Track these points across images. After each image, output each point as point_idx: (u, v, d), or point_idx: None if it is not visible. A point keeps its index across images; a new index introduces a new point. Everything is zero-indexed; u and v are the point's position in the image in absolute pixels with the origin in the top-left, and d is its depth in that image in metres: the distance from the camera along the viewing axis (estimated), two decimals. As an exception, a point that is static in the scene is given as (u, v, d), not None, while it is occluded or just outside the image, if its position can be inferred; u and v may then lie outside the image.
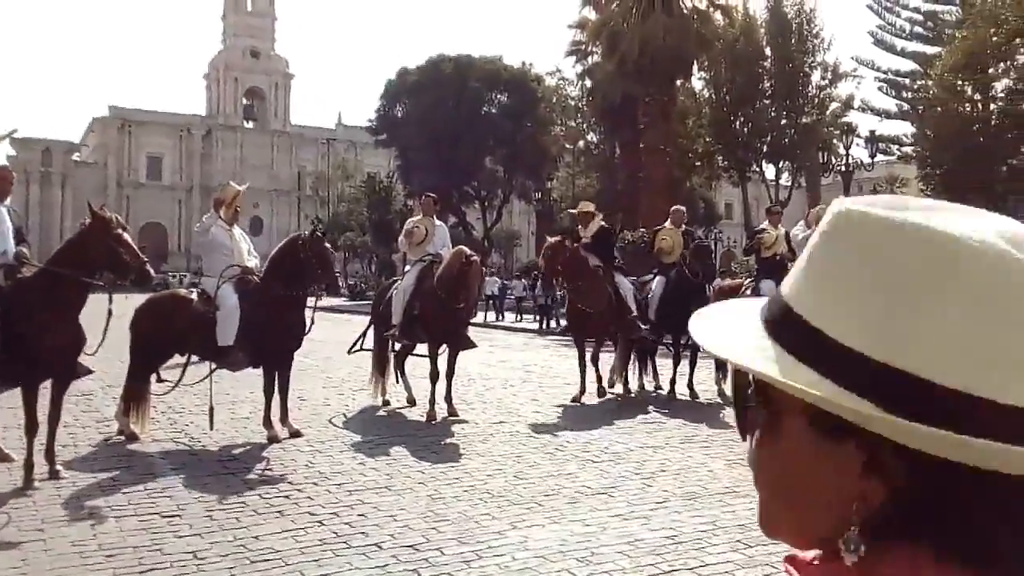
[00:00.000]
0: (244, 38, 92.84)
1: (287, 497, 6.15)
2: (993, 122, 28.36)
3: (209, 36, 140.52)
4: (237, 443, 8.08)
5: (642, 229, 31.74)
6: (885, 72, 40.04)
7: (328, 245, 8.18)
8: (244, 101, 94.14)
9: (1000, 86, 28.86)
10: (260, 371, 8.41)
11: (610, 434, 8.85)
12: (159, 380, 8.57)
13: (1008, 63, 27.64)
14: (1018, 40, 25.38)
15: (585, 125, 43.93)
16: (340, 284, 8.13)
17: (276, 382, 8.31)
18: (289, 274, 8.16)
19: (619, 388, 11.75)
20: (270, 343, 8.18)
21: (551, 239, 11.47)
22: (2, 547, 5.00)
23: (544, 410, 10.45)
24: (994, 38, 25.05)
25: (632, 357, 12.09)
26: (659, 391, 12.01)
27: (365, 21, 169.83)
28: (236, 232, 8.62)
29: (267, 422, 8.22)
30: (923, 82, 35.44)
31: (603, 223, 11.98)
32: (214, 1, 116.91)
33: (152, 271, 6.99)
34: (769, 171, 41.30)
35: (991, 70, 27.66)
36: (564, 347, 19.43)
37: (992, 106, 28.76)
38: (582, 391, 11.01)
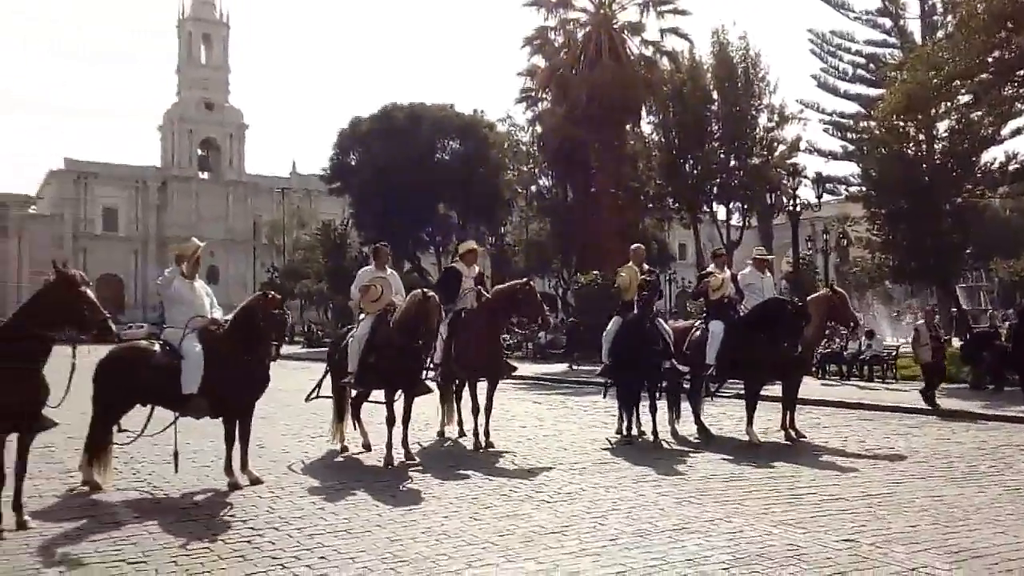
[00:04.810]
0: (198, 90, 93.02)
1: (249, 542, 6.32)
2: (937, 162, 28.84)
3: (164, 89, 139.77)
4: (198, 490, 8.22)
5: (595, 272, 32.14)
6: (830, 114, 41.01)
7: (279, 311, 8.55)
8: (199, 152, 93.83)
9: (943, 127, 29.41)
10: (219, 421, 8.58)
11: (563, 475, 9.03)
12: (120, 430, 8.68)
13: (949, 104, 28.14)
14: (957, 82, 25.92)
15: (537, 170, 44.42)
16: (274, 353, 8.67)
17: (237, 431, 8.51)
18: (250, 333, 8.40)
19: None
20: (233, 394, 8.39)
21: None
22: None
23: (499, 453, 10.67)
24: (934, 80, 25.48)
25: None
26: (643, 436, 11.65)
27: (319, 71, 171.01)
28: (197, 285, 8.85)
29: (228, 469, 8.41)
30: (867, 124, 36.12)
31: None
32: (169, 55, 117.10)
33: (113, 326, 7.15)
34: (720, 212, 41.90)
35: (932, 112, 28.13)
36: (520, 390, 19.65)
37: (935, 146, 29.26)
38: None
